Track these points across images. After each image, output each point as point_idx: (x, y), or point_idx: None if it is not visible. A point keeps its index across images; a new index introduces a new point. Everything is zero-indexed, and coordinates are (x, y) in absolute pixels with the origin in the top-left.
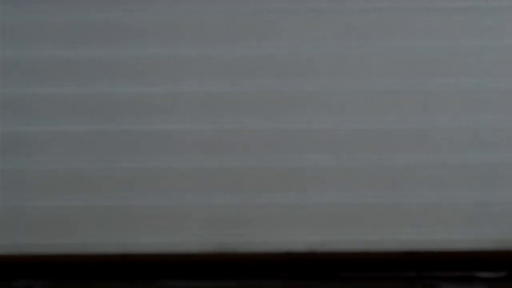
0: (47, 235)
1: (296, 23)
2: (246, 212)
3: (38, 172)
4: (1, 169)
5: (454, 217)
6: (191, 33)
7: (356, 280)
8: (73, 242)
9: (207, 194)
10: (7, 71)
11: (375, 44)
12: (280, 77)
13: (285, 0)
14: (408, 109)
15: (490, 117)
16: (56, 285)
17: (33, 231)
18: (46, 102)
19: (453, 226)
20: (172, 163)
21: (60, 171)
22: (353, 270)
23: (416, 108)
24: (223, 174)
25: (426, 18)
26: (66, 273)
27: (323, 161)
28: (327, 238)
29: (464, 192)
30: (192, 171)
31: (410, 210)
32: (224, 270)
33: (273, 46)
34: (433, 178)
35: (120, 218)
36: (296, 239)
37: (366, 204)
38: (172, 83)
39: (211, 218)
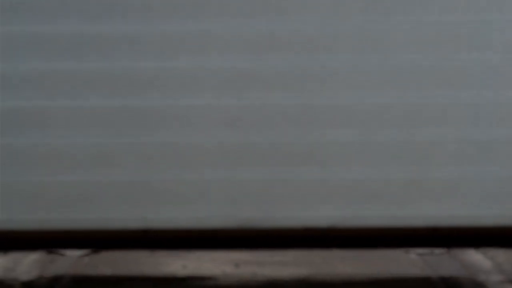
0: (68, 210)
1: None
2: (269, 187)
3: (60, 147)
4: (24, 145)
5: (478, 193)
6: (215, 9)
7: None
8: (95, 217)
9: (230, 169)
10: (30, 46)
11: (399, 19)
12: (304, 52)
13: None
14: (432, 84)
15: None
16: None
17: (55, 206)
18: (70, 77)
19: (477, 201)
20: (195, 138)
21: (83, 146)
22: (374, 245)
23: (439, 83)
24: (246, 150)
25: None
26: (88, 248)
27: (346, 137)
28: (349, 213)
29: (488, 167)
30: (215, 146)
31: (433, 185)
32: (246, 244)
33: (298, 21)
34: (456, 154)
35: (143, 193)
36: (318, 214)
37: (388, 179)
38: (196, 58)
39: (234, 193)
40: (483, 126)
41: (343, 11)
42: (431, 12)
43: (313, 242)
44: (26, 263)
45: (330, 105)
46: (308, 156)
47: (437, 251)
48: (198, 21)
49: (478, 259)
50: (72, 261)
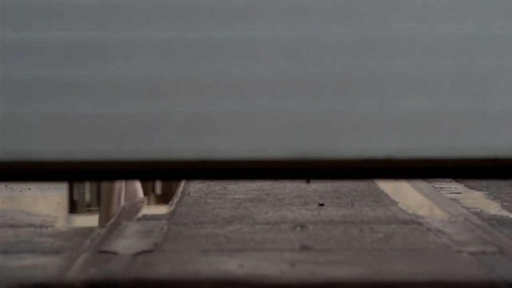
0: (127, 141)
1: None
2: (326, 118)
3: (118, 79)
4: (83, 76)
5: None
6: None
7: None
8: (153, 148)
9: (287, 100)
10: None
11: None
12: None
13: None
14: (491, 15)
15: None
16: None
17: (114, 137)
18: (126, 8)
19: None
20: (252, 69)
21: (140, 78)
22: (432, 176)
23: (499, 14)
24: (305, 81)
25: None
26: (145, 179)
27: (404, 67)
28: (407, 144)
29: None
30: (274, 77)
31: (493, 116)
32: (304, 175)
33: None
34: None
35: (201, 124)
36: (376, 145)
37: (447, 110)
38: None
39: (292, 125)
40: None
41: None
42: None
43: (371, 173)
44: (80, 262)
45: (388, 36)
46: (365, 87)
47: (489, 249)
48: None
49: None
50: (126, 260)
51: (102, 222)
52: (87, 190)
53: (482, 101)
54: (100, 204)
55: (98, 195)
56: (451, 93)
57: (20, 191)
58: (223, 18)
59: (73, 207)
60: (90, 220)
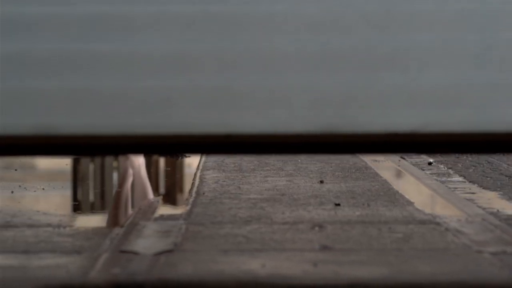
0: (151, 115)
1: None
2: (350, 92)
3: (143, 52)
4: (107, 50)
5: None
6: None
7: None
8: (177, 122)
9: (311, 74)
10: None
11: None
12: None
13: None
14: None
15: None
16: None
17: (137, 111)
18: None
19: None
20: (276, 43)
21: (164, 51)
22: (456, 151)
23: None
24: (327, 54)
25: None
26: (169, 153)
27: (427, 41)
28: (431, 118)
29: None
30: (296, 51)
31: None
32: (329, 150)
33: None
34: None
35: (225, 98)
36: (400, 119)
37: (471, 83)
38: None
39: (316, 99)
40: None
41: None
42: None
43: (395, 147)
44: (102, 262)
45: (412, 10)
46: (389, 61)
47: (510, 249)
48: None
49: None
50: (148, 260)
51: (111, 223)
52: (91, 190)
53: (507, 75)
54: (105, 204)
55: (102, 195)
56: (475, 67)
57: (34, 191)
58: None
59: (77, 208)
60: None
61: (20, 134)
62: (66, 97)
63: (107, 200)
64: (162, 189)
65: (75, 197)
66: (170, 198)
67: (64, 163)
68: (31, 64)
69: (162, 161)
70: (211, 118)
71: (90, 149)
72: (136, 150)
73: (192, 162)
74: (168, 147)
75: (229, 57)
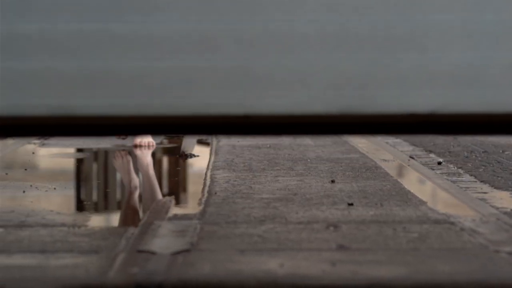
0: (170, 96)
1: None
2: (369, 72)
3: (161, 32)
4: (125, 31)
5: None
6: None
7: None
8: (195, 103)
9: (330, 54)
10: None
11: None
12: None
13: None
14: None
15: None
16: None
17: (157, 92)
18: None
19: None
20: (295, 23)
21: (183, 32)
22: (475, 132)
23: None
24: (347, 35)
25: None
26: (187, 133)
27: (446, 21)
28: (450, 99)
29: None
30: (315, 31)
31: None
32: (347, 130)
33: None
34: None
35: (244, 79)
36: (419, 100)
37: (491, 64)
38: None
39: (335, 79)
40: None
41: None
42: None
43: (414, 128)
44: (120, 262)
45: None
46: (408, 41)
47: None
48: None
49: None
50: (166, 259)
51: (125, 222)
52: (103, 190)
53: None
54: (117, 204)
55: (114, 195)
56: (495, 47)
57: (46, 190)
58: None
59: (90, 207)
60: (122, 220)
61: (40, 115)
62: (85, 78)
63: (120, 200)
64: (173, 189)
65: (87, 197)
66: (182, 197)
67: (74, 162)
68: (50, 45)
69: (171, 160)
70: (230, 98)
71: (109, 130)
72: (155, 131)
73: (201, 162)
74: (187, 127)
75: (248, 38)
